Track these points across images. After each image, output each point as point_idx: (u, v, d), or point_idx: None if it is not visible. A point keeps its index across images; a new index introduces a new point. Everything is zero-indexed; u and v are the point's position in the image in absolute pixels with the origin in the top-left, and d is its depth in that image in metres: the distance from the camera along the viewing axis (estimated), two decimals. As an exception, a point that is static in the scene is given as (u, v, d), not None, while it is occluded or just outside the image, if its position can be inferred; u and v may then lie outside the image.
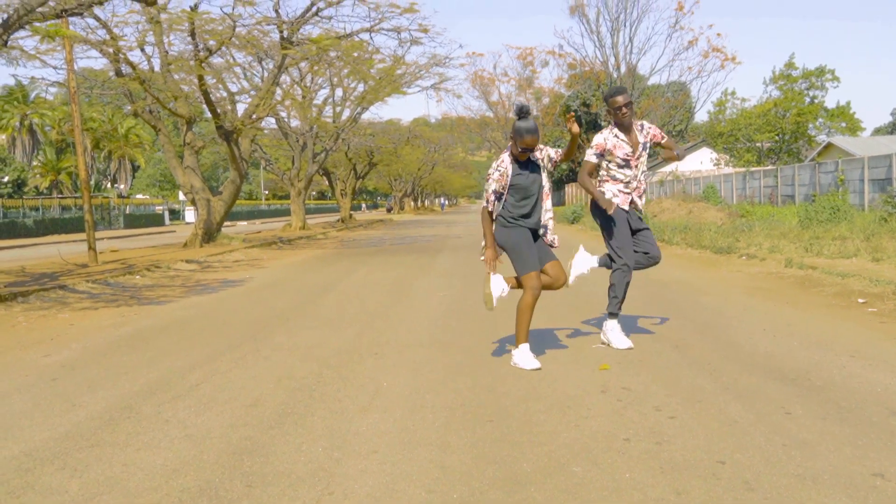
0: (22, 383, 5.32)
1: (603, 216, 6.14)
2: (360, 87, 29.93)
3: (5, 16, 10.34)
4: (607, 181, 6.17)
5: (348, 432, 3.96)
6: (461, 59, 63.77)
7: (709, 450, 3.55)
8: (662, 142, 6.26)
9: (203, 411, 4.43)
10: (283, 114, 30.17)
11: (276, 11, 19.98)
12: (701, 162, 51.81)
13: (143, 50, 19.70)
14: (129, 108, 22.83)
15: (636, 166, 6.13)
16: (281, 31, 19.74)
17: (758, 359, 5.43)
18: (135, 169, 75.17)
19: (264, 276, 13.08)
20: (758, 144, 48.92)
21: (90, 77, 22.83)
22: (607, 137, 6.10)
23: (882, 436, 3.69)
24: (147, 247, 22.15)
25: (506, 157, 5.48)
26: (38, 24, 10.58)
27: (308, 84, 29.81)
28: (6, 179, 56.56)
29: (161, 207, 57.46)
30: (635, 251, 6.18)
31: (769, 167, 38.68)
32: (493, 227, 5.52)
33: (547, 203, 5.60)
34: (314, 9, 19.84)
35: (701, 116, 59.92)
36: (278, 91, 23.49)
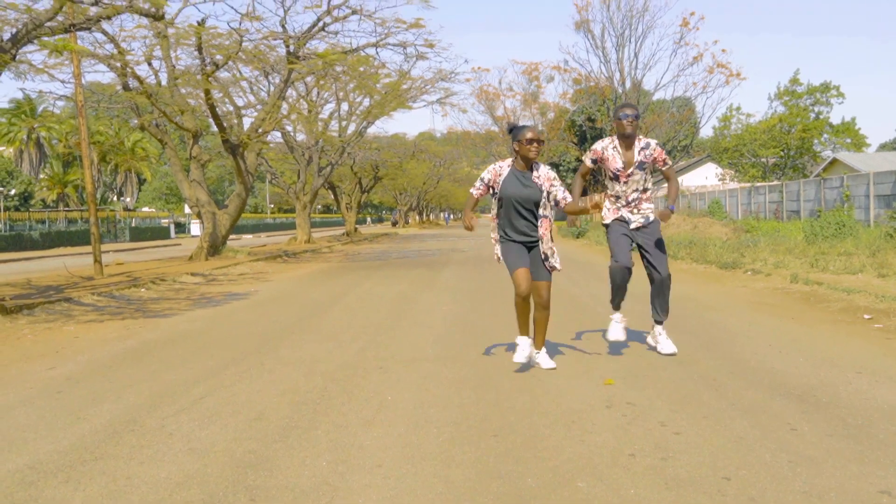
0: (26, 396, 5.32)
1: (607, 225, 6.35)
2: (366, 102, 30.04)
3: (14, 30, 10.42)
4: (608, 198, 6.24)
5: (353, 446, 3.95)
6: (467, 73, 63.91)
7: (714, 466, 3.54)
8: (664, 169, 6.29)
9: (207, 425, 4.42)
10: (289, 128, 30.30)
11: (283, 26, 20.10)
12: (706, 177, 51.87)
13: (150, 64, 19.81)
14: (136, 121, 22.92)
15: (625, 182, 6.17)
16: (287, 46, 19.85)
17: (763, 374, 5.41)
18: (141, 182, 75.46)
19: (269, 290, 13.09)
20: (763, 160, 48.92)
21: (97, 91, 22.95)
22: (605, 147, 6.23)
23: (889, 453, 3.67)
24: (152, 260, 22.19)
25: (507, 162, 5.78)
26: (46, 39, 10.66)
27: (314, 98, 29.92)
28: (13, 192, 56.82)
29: (167, 220, 57.57)
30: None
31: (774, 182, 38.66)
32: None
33: (545, 229, 5.67)
34: (320, 24, 19.95)
35: (706, 132, 60.01)
36: (284, 105, 23.57)
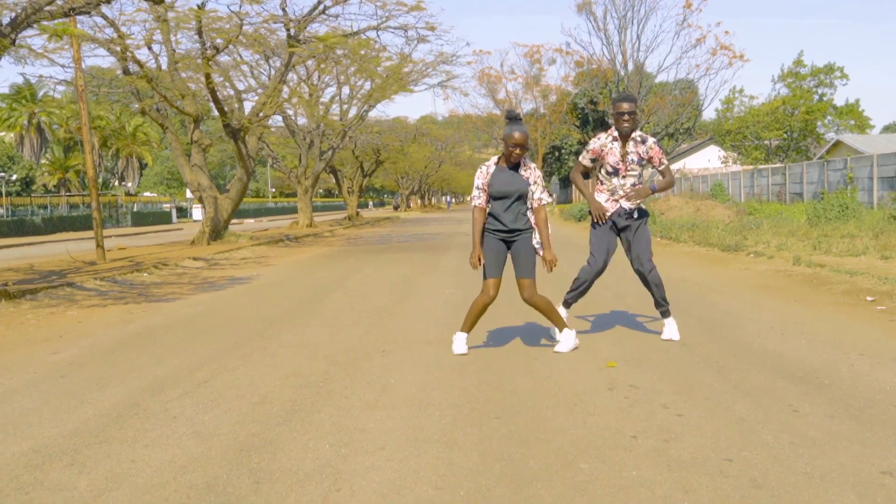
0: (30, 380, 5.34)
1: (592, 218, 6.31)
2: (367, 85, 29.96)
3: (13, 14, 10.38)
4: (602, 192, 6.21)
5: (355, 429, 3.96)
6: (468, 56, 63.80)
7: (716, 447, 3.54)
8: (660, 169, 6.25)
9: (210, 408, 4.44)
10: (290, 112, 30.24)
11: (283, 10, 20.00)
12: (709, 160, 51.71)
13: (150, 48, 19.73)
14: (137, 106, 22.87)
15: (623, 177, 6.13)
16: (288, 30, 19.75)
17: (766, 357, 5.42)
18: (142, 167, 75.39)
19: (271, 274, 13.10)
20: (766, 142, 48.73)
21: (98, 75, 22.86)
22: (604, 144, 6.15)
23: (890, 434, 3.68)
24: (155, 244, 22.22)
25: (493, 160, 5.76)
26: (45, 23, 10.60)
27: (315, 82, 29.83)
28: (14, 178, 56.81)
29: (168, 205, 57.58)
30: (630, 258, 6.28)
31: (777, 165, 38.55)
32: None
33: (529, 216, 5.68)
34: (321, 7, 19.83)
35: (709, 114, 59.84)
36: (285, 89, 23.52)
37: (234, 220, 28.92)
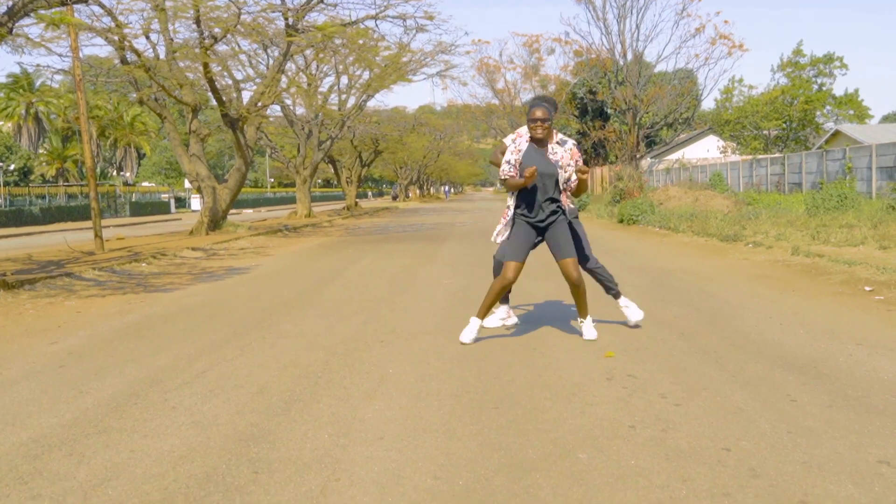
0: (29, 370, 5.34)
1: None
2: (366, 75, 29.87)
3: (10, 3, 10.33)
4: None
5: (354, 419, 3.97)
6: (467, 46, 63.52)
7: (714, 437, 3.55)
8: (579, 165, 5.92)
9: (209, 398, 4.44)
10: (289, 101, 30.14)
11: (282, -1, 19.93)
12: (707, 150, 51.62)
13: (148, 37, 19.64)
14: (135, 95, 22.81)
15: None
16: (286, 19, 19.69)
17: (764, 347, 5.43)
18: (140, 157, 75.27)
19: (270, 264, 13.10)
20: (765, 132, 48.66)
21: (95, 65, 22.77)
22: (511, 149, 5.87)
23: (888, 423, 3.69)
24: (153, 234, 22.19)
25: (524, 134, 5.69)
26: (42, 12, 10.56)
27: (313, 72, 29.74)
28: (12, 167, 56.70)
29: (167, 195, 57.49)
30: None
31: (776, 155, 38.52)
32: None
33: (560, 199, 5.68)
34: (319, -4, 19.78)
35: (708, 104, 59.75)
36: (283, 79, 23.44)
37: (232, 210, 28.89)
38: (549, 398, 4.26)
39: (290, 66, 25.76)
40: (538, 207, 5.68)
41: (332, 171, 46.82)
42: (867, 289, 7.85)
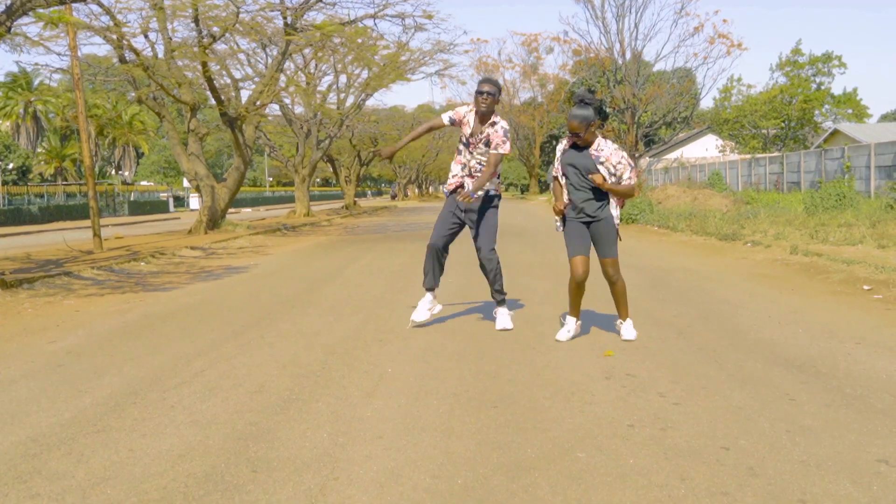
0: (28, 369, 5.34)
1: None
2: (365, 74, 29.85)
3: (9, 2, 10.31)
4: (457, 163, 6.35)
5: (353, 418, 3.97)
6: (465, 45, 63.67)
7: (713, 436, 3.56)
8: (491, 151, 6.12)
9: (208, 397, 4.44)
10: (287, 100, 30.12)
11: (280, -3, 19.91)
12: (706, 149, 51.67)
13: (146, 36, 19.63)
14: (133, 94, 22.80)
15: (471, 153, 6.20)
16: (284, 18, 19.67)
17: (762, 346, 5.43)
18: (139, 156, 75.17)
19: (269, 263, 13.09)
20: (763, 131, 48.68)
21: (94, 64, 22.75)
22: (466, 113, 6.24)
23: (886, 422, 3.70)
24: (152, 233, 22.18)
25: (566, 139, 5.82)
26: (41, 11, 10.55)
27: (312, 71, 29.72)
28: (11, 166, 56.63)
29: (165, 194, 57.46)
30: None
31: (775, 154, 38.52)
32: None
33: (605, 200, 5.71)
34: (318, -6, 19.77)
35: (706, 103, 59.69)
36: (282, 78, 23.42)
37: (231, 210, 28.87)
38: (548, 397, 4.27)
39: (288, 65, 25.76)
40: (578, 206, 5.72)
41: (331, 170, 46.84)
42: (866, 288, 7.85)
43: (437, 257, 6.40)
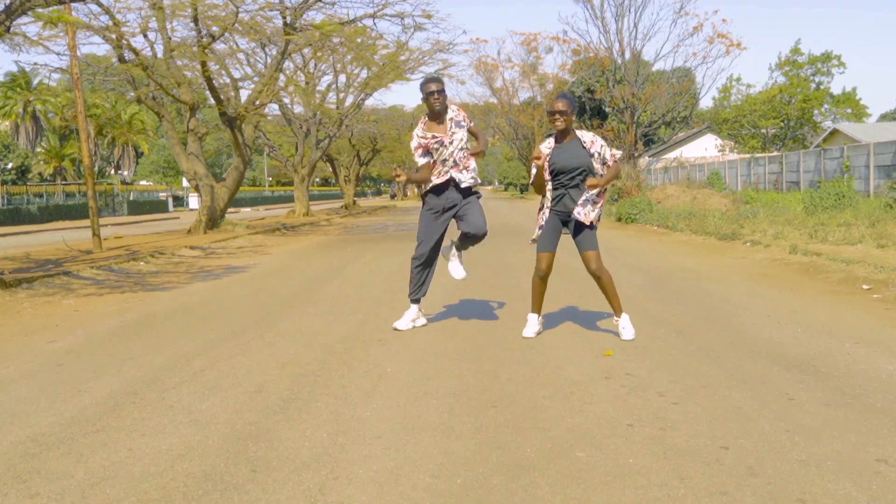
0: (27, 369, 5.34)
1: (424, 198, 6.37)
2: (364, 74, 29.87)
3: (8, 1, 10.31)
4: (436, 174, 6.22)
5: (353, 418, 3.97)
6: (465, 45, 63.63)
7: (712, 435, 3.56)
8: (471, 126, 6.29)
9: (208, 397, 4.44)
10: (287, 100, 30.14)
11: (279, -3, 19.91)
12: (706, 149, 51.68)
13: (146, 36, 19.64)
14: (133, 94, 22.80)
15: (450, 143, 6.13)
16: (284, 17, 19.67)
17: (762, 345, 5.43)
18: (138, 155, 75.12)
19: (268, 263, 13.09)
20: (763, 131, 48.71)
21: (93, 63, 22.76)
22: (418, 134, 6.15)
23: (886, 422, 3.70)
24: (151, 233, 22.18)
25: (553, 137, 5.88)
26: (40, 10, 10.54)
27: (311, 70, 29.73)
28: (10, 166, 56.58)
29: (165, 194, 57.44)
30: (461, 229, 6.40)
31: (774, 153, 38.54)
32: None
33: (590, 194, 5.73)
34: (317, -6, 19.77)
35: (706, 102, 59.74)
36: (281, 77, 23.42)
37: (230, 209, 28.88)
38: (547, 397, 4.27)
39: (288, 64, 25.77)
40: (561, 199, 5.83)
41: (331, 169, 46.84)
42: (865, 287, 7.86)
43: (431, 265, 6.35)
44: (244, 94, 23.75)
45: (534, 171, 5.88)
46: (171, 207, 53.84)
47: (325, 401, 4.30)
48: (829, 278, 8.66)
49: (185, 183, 55.99)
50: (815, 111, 50.07)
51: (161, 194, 57.32)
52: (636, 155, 36.65)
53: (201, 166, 21.35)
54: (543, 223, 5.90)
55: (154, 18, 18.63)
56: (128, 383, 4.83)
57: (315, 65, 29.53)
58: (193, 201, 51.23)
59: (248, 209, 54.13)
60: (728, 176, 35.91)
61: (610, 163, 5.72)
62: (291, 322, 6.94)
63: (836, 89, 55.08)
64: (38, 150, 64.27)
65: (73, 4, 13.83)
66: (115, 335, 6.56)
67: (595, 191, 5.65)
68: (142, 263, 12.81)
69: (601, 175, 5.71)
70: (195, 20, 17.97)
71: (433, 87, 6.08)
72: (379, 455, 3.43)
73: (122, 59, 19.29)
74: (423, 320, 6.50)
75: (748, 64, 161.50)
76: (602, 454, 3.36)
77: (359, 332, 6.36)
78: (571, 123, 5.77)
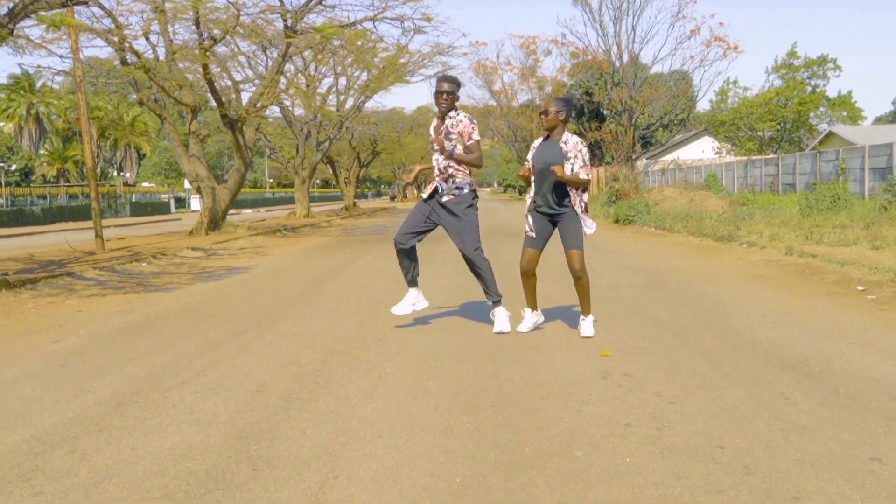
0: (31, 369, 5.38)
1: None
2: (364, 76, 29.88)
3: (11, 4, 10.36)
4: (435, 177, 6.34)
5: (353, 417, 4.01)
6: (464, 47, 63.68)
7: (709, 435, 3.59)
8: (467, 143, 6.08)
9: (209, 397, 4.48)
10: (287, 102, 30.16)
11: (280, 0, 19.96)
12: (703, 151, 51.64)
13: (147, 39, 19.68)
14: (135, 96, 22.85)
15: (436, 149, 6.20)
16: (285, 20, 19.72)
17: (758, 346, 5.47)
18: (140, 157, 75.20)
19: (269, 264, 13.13)
20: (759, 133, 48.72)
21: (96, 66, 22.81)
22: (430, 131, 6.37)
23: (880, 421, 3.73)
24: (153, 234, 22.20)
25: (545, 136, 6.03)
26: (43, 13, 10.60)
27: (312, 73, 29.76)
28: (14, 168, 56.67)
29: (167, 195, 57.48)
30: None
31: (770, 156, 38.55)
32: None
33: (573, 194, 5.84)
34: (318, -3, 19.82)
35: (703, 105, 59.53)
36: (282, 80, 23.46)
37: (231, 211, 28.89)
38: (545, 396, 4.30)
39: (288, 67, 25.78)
40: (545, 198, 5.96)
41: (331, 171, 46.87)
42: (860, 288, 7.90)
43: (407, 254, 6.26)
44: (245, 97, 23.81)
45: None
46: (172, 209, 53.86)
47: (325, 400, 4.34)
48: (824, 279, 8.69)
49: (186, 184, 56.04)
50: (811, 114, 50.12)
51: (163, 196, 57.37)
52: (634, 157, 36.68)
53: (203, 168, 21.39)
54: (532, 226, 6.04)
55: (156, 21, 18.67)
56: (130, 383, 4.87)
57: (316, 67, 29.56)
58: (195, 203, 51.27)
59: (249, 210, 54.15)
60: (725, 178, 35.91)
61: (578, 170, 5.77)
62: (292, 322, 6.97)
63: (831, 92, 55.15)
64: (42, 152, 64.35)
65: (75, 7, 13.87)
66: (118, 335, 6.59)
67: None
68: (144, 264, 12.85)
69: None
70: (197, 23, 18.01)
71: (444, 86, 6.04)
72: (379, 454, 3.47)
73: (124, 62, 19.33)
74: (424, 303, 6.48)
75: (745, 67, 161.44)
76: (600, 453, 3.40)
77: (359, 332, 6.40)
78: (559, 124, 5.89)
